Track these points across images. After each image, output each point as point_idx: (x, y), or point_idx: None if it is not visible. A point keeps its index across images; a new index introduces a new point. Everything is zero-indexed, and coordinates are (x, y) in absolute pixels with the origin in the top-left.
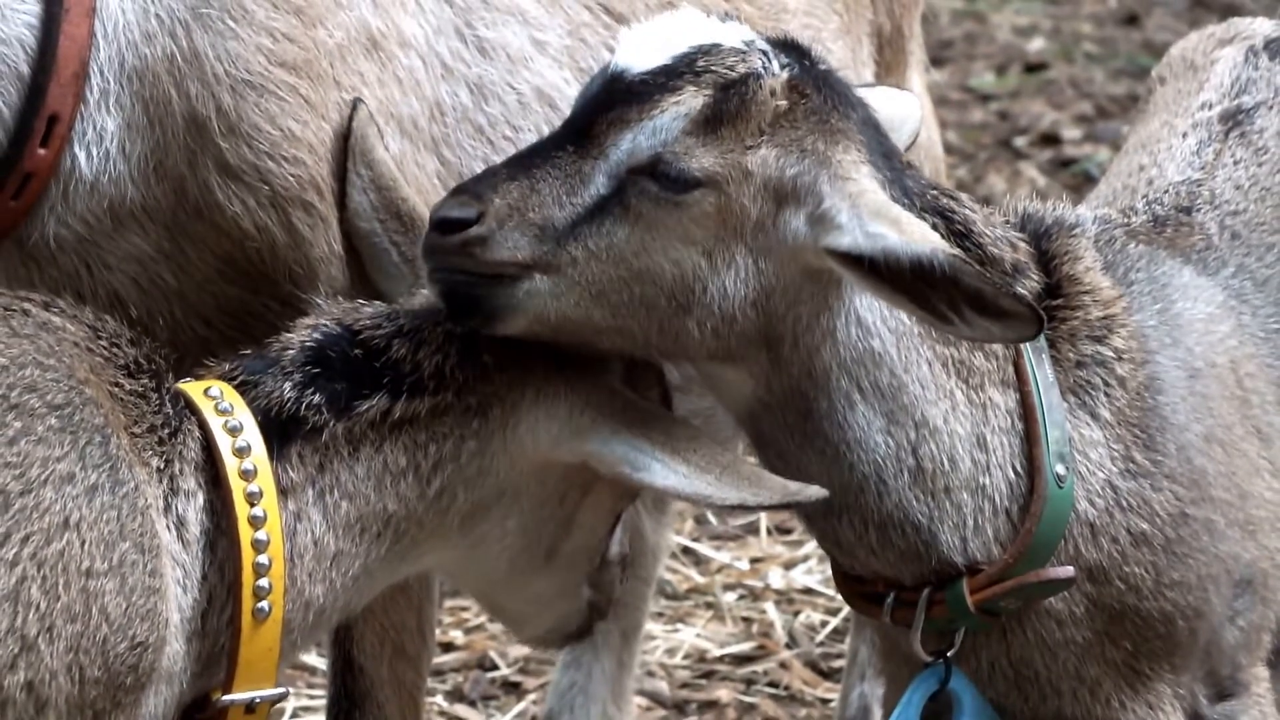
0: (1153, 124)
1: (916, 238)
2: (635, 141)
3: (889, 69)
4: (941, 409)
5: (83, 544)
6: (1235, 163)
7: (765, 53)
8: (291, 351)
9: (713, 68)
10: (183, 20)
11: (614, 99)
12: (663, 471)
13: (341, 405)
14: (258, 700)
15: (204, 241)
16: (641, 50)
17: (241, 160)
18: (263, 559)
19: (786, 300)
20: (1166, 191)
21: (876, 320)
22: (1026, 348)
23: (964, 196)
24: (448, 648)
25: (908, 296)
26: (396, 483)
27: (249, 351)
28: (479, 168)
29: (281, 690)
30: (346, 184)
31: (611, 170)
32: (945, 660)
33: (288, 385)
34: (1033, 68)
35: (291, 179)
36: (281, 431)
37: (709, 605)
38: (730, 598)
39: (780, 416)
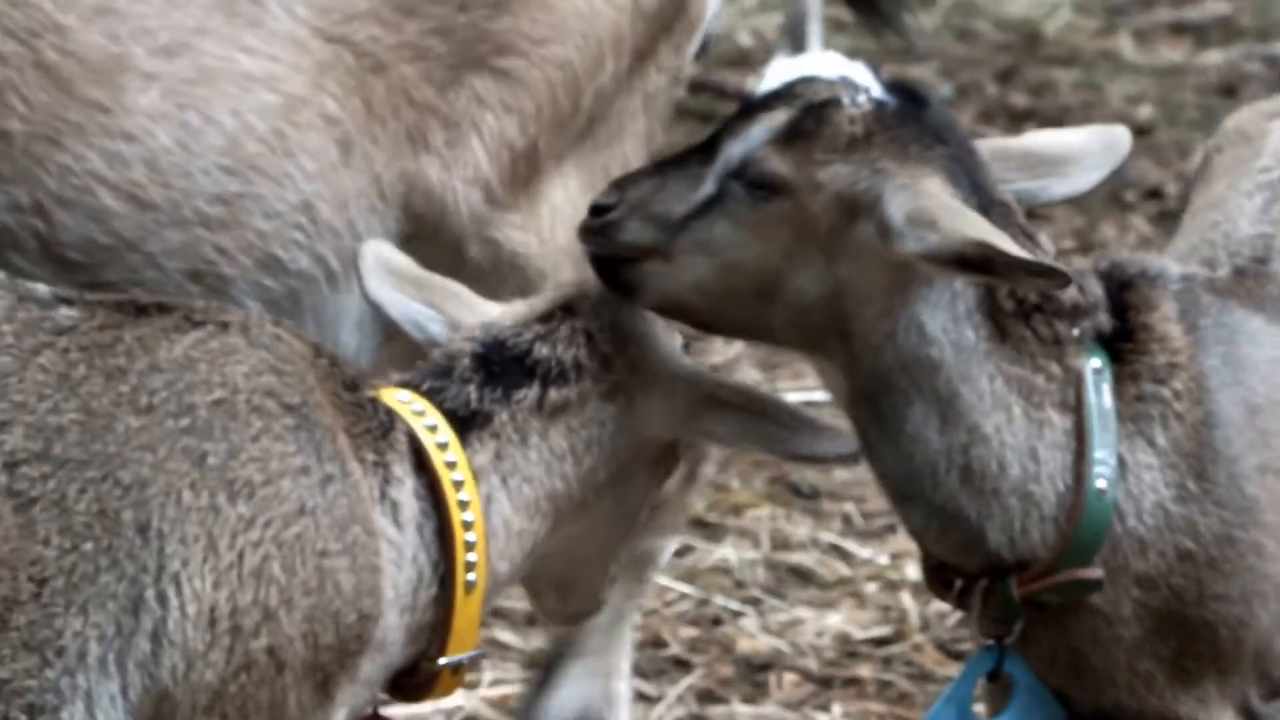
0: (1217, 186)
1: (950, 235)
2: (732, 150)
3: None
4: (996, 420)
5: (318, 527)
6: None
7: (855, 87)
8: (464, 361)
9: (805, 94)
10: None
11: (736, 116)
12: (740, 432)
13: (505, 396)
14: (464, 661)
15: None
16: (771, 80)
17: None
18: (470, 537)
19: (856, 302)
20: (1243, 244)
21: (937, 330)
22: (1088, 379)
23: (1043, 239)
24: None
25: (973, 272)
26: (560, 464)
27: (422, 366)
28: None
29: (480, 651)
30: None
31: (717, 174)
32: (1000, 644)
33: (470, 388)
34: (1141, 131)
35: None
36: (462, 427)
37: (853, 594)
38: (871, 588)
39: (862, 406)
